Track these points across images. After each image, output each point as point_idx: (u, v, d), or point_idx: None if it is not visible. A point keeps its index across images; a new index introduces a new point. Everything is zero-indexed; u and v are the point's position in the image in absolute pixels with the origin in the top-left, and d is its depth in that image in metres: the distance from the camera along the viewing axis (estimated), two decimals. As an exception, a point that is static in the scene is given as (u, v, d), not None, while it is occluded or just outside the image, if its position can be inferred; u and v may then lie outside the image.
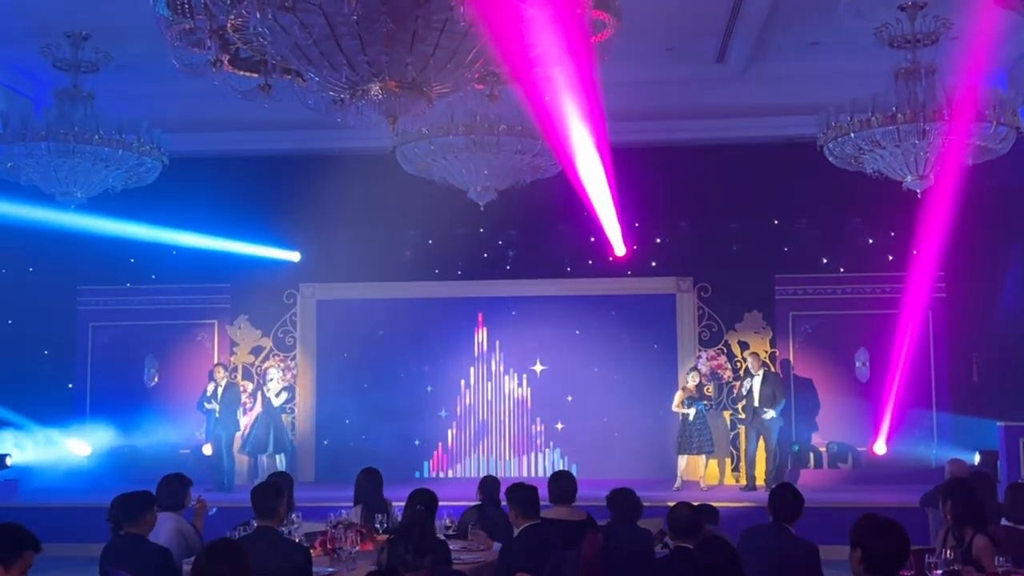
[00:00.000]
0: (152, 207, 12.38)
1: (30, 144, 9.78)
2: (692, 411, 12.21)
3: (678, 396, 12.44)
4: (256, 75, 6.61)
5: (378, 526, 6.35)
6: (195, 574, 3.99)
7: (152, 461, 12.76)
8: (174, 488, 6.35)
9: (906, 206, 10.89)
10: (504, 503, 6.90)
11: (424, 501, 6.13)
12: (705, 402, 12.43)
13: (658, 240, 13.67)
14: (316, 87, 6.38)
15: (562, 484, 6.55)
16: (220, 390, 12.62)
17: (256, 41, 6.15)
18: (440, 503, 6.75)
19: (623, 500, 6.34)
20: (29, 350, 13.72)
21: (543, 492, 6.25)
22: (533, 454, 13.85)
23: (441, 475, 13.73)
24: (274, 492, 5.42)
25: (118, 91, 10.71)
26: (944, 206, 10.86)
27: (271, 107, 6.87)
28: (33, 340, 13.76)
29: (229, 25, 5.89)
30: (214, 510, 6.77)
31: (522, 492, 6.00)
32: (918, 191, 9.90)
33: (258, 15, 5.53)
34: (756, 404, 12.27)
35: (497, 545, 6.17)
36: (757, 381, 12.35)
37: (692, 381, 12.40)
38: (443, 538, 5.95)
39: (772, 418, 12.25)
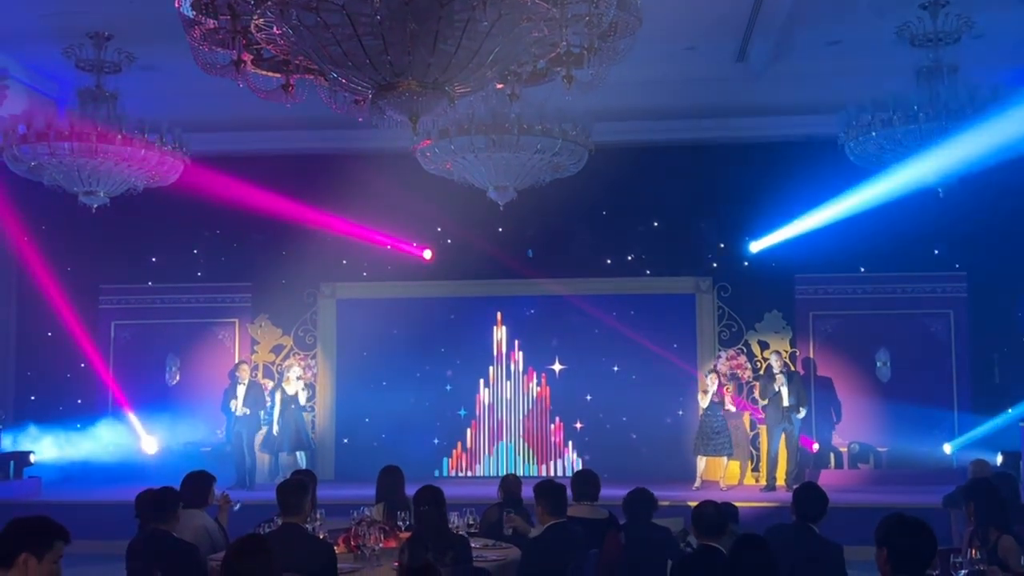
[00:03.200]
0: (174, 206, 12.46)
1: (53, 144, 9.86)
2: (708, 399, 12.22)
3: (702, 397, 12.45)
4: (278, 75, 6.65)
5: (400, 524, 6.38)
6: (224, 570, 4.01)
7: (172, 459, 12.86)
8: (198, 485, 6.39)
9: (927, 205, 10.84)
10: (525, 502, 6.93)
11: (427, 500, 6.11)
12: (719, 399, 12.39)
13: (678, 239, 13.62)
14: (339, 87, 6.42)
15: (585, 482, 6.55)
16: (244, 388, 12.68)
17: (279, 41, 6.17)
18: (461, 502, 6.76)
19: (638, 499, 6.34)
20: (51, 349, 13.82)
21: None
22: (552, 453, 13.85)
23: (460, 474, 13.75)
24: (300, 489, 5.44)
25: (141, 91, 10.78)
26: (964, 204, 10.83)
27: (293, 107, 6.91)
28: (55, 339, 13.85)
29: (252, 25, 5.92)
30: (238, 505, 6.80)
31: (551, 489, 6.00)
32: (940, 190, 9.86)
33: (281, 15, 5.56)
34: (785, 404, 12.22)
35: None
36: (784, 381, 12.31)
37: (712, 383, 12.39)
38: (465, 535, 5.96)
39: (801, 418, 12.25)
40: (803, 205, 13.15)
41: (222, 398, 12.88)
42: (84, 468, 13.30)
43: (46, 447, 13.21)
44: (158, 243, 13.91)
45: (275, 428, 12.82)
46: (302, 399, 13.08)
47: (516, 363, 13.99)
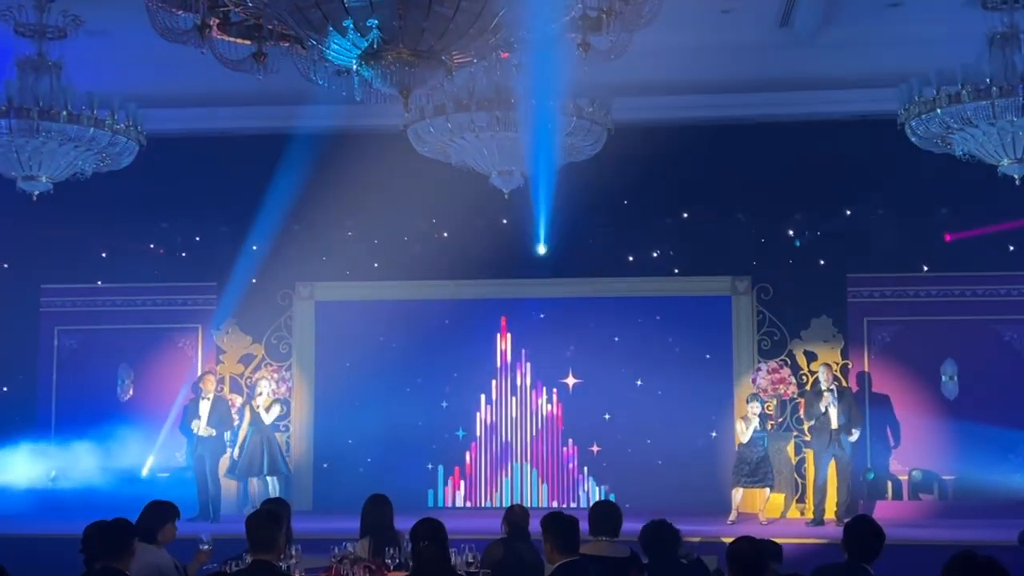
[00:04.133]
0: (127, 194, 12.48)
1: (-12, 122, 9.87)
2: (749, 433, 12.24)
3: (741, 427, 12.42)
4: (249, 42, 6.68)
5: (389, 561, 6.40)
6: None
7: (125, 486, 12.88)
8: (153, 517, 6.47)
9: (1002, 195, 10.83)
10: (535, 536, 6.94)
11: (427, 535, 6.12)
12: (764, 430, 12.43)
13: (711, 233, 13.63)
14: (318, 56, 6.44)
15: (605, 515, 6.56)
16: (207, 405, 12.69)
17: (249, 2, 6.20)
18: (460, 536, 6.77)
19: (657, 533, 6.34)
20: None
21: (582, 525, 6.25)
22: (564, 481, 13.86)
23: (458, 504, 13.78)
24: (273, 521, 5.45)
25: (89, 60, 10.77)
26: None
27: (265, 79, 6.93)
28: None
29: (219, -17, 5.96)
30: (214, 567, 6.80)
31: (560, 523, 6.01)
32: (1016, 177, 9.85)
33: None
34: (834, 426, 12.23)
35: None
36: (834, 399, 12.31)
37: (754, 410, 12.36)
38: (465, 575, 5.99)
39: (853, 442, 12.23)
40: (856, 194, 13.16)
41: (181, 416, 12.89)
42: (21, 496, 13.32)
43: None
44: (109, 236, 13.93)
45: (235, 450, 12.85)
46: (268, 418, 13.03)
47: (523, 376, 14.01)
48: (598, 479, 13.76)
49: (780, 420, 13.19)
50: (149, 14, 6.45)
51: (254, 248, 13.72)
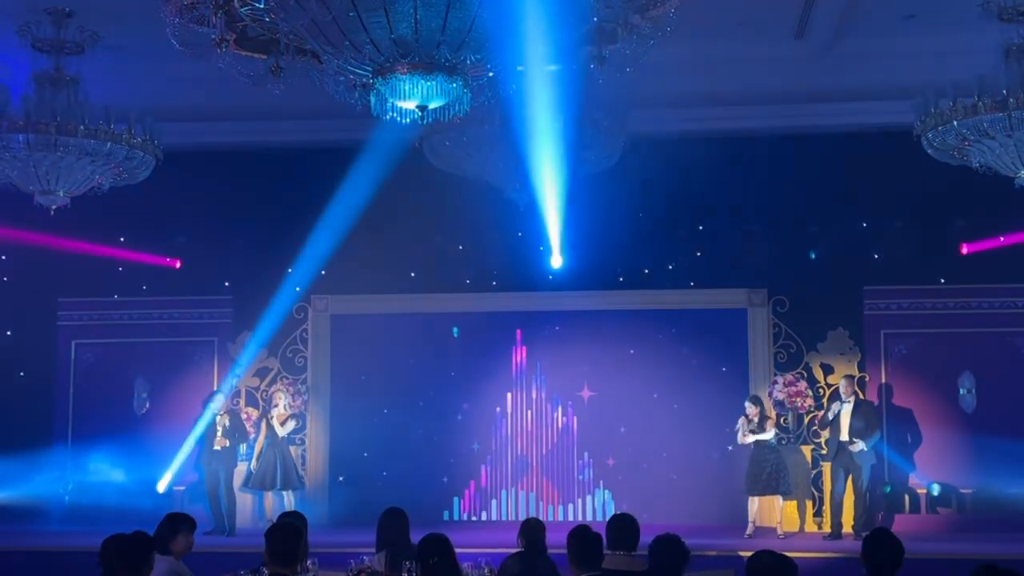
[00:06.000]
0: (144, 208, 12.54)
1: (6, 136, 9.91)
2: (749, 437, 12.19)
3: (742, 432, 12.39)
4: (265, 57, 6.71)
5: (406, 575, 6.40)
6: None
7: (141, 499, 12.91)
8: (167, 528, 6.55)
9: (1019, 206, 10.80)
10: (551, 549, 6.93)
11: (436, 551, 6.11)
12: (777, 435, 12.38)
13: (727, 245, 13.61)
14: (334, 70, 6.48)
15: (623, 528, 6.54)
16: (221, 420, 12.69)
17: (267, 18, 6.24)
18: (475, 550, 6.76)
19: (666, 549, 6.31)
20: (2, 371, 13.91)
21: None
22: (579, 494, 13.84)
23: (473, 517, 13.76)
24: (294, 535, 5.47)
25: (106, 75, 10.84)
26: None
27: (282, 93, 6.96)
28: (7, 359, 13.94)
29: (235, -2, 6.00)
30: None
31: (582, 538, 6.00)
32: (1033, 188, 9.82)
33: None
34: (844, 437, 12.19)
35: None
36: (847, 409, 12.27)
37: (752, 409, 12.31)
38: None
39: (863, 452, 12.17)
40: (871, 205, 13.13)
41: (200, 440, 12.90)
42: (38, 510, 13.36)
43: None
44: (125, 250, 13.97)
45: (255, 462, 12.87)
46: (282, 431, 13.03)
47: (538, 389, 14.00)
48: (613, 492, 13.73)
49: (798, 431, 13.15)
50: (168, 29, 6.49)
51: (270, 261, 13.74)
